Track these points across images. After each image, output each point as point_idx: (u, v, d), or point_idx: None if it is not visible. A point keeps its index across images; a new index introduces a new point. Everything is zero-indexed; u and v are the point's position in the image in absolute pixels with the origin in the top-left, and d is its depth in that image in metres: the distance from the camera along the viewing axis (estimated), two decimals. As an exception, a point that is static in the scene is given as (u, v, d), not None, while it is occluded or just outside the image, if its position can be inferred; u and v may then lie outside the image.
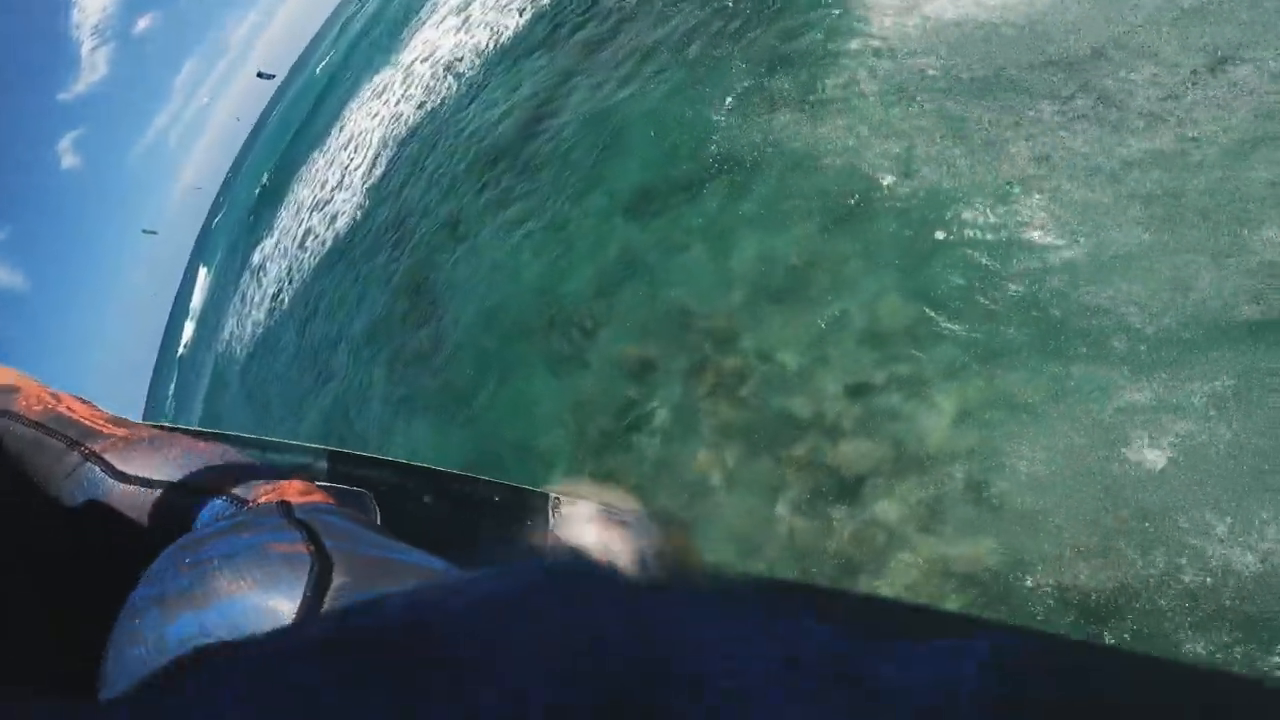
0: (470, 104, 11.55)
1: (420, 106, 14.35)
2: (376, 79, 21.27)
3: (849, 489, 3.94)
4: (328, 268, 14.03)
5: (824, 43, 5.96)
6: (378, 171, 14.45)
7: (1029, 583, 3.19)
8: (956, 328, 4.05)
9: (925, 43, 5.40)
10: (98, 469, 0.66)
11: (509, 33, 12.36)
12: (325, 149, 22.08)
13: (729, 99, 6.36)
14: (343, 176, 17.25)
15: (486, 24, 13.98)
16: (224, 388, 19.13)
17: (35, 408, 0.70)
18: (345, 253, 13.39)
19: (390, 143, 14.83)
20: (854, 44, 5.75)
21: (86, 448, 0.67)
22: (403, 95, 16.40)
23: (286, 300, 16.19)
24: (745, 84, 6.36)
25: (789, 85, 5.97)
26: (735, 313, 5.04)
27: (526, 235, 7.41)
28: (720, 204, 5.72)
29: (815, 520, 3.92)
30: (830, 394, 4.29)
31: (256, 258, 23.18)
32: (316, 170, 21.33)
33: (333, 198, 16.80)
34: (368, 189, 14.44)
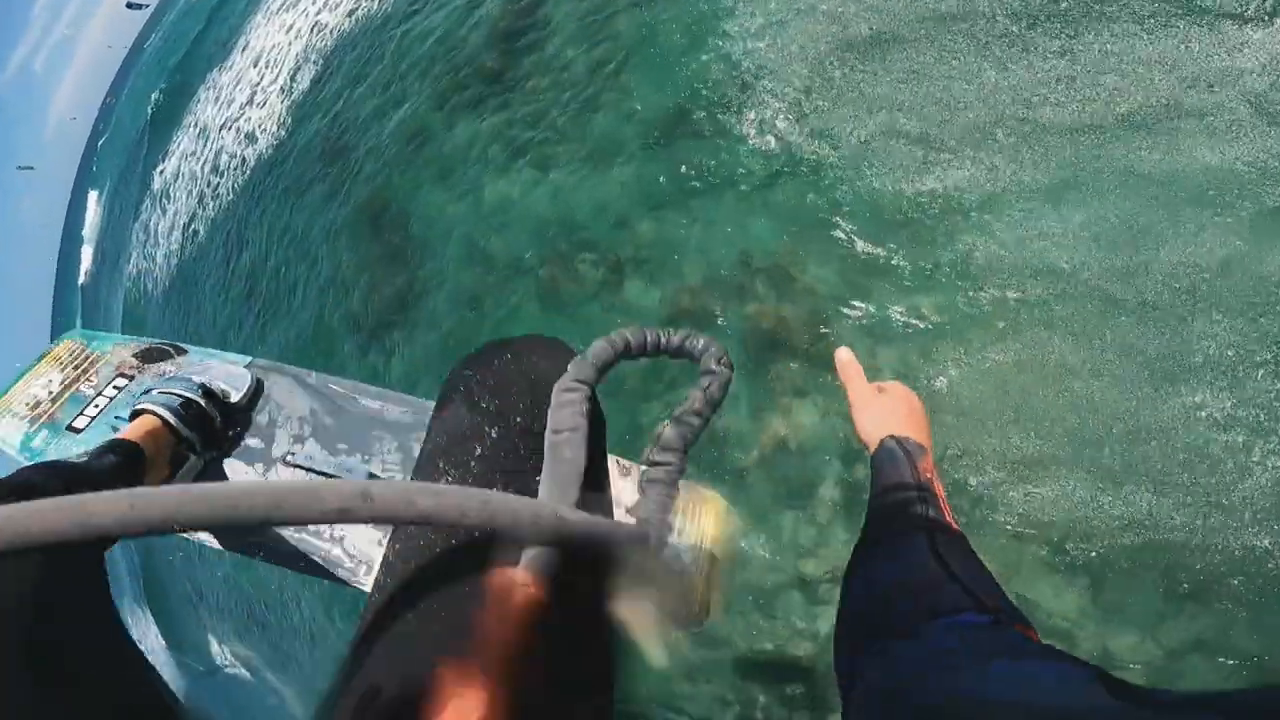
0: (420, 9, 10.48)
1: (350, 15, 13.03)
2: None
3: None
4: (253, 193, 12.73)
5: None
6: (300, 86, 13.14)
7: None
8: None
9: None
10: None
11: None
12: (228, 66, 19.87)
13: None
14: (254, 94, 15.62)
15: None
16: (140, 326, 17.42)
17: None
18: (274, 176, 12.17)
19: (314, 55, 13.47)
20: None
21: None
22: (324, 3, 14.84)
23: (202, 231, 14.72)
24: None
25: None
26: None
27: (518, 153, 6.75)
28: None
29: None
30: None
31: (156, 183, 20.89)
32: (221, 89, 19.23)
33: (245, 114, 15.25)
34: (290, 105, 13.14)
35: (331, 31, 13.32)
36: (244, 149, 14.16)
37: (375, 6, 12.06)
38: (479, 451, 0.66)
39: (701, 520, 1.13)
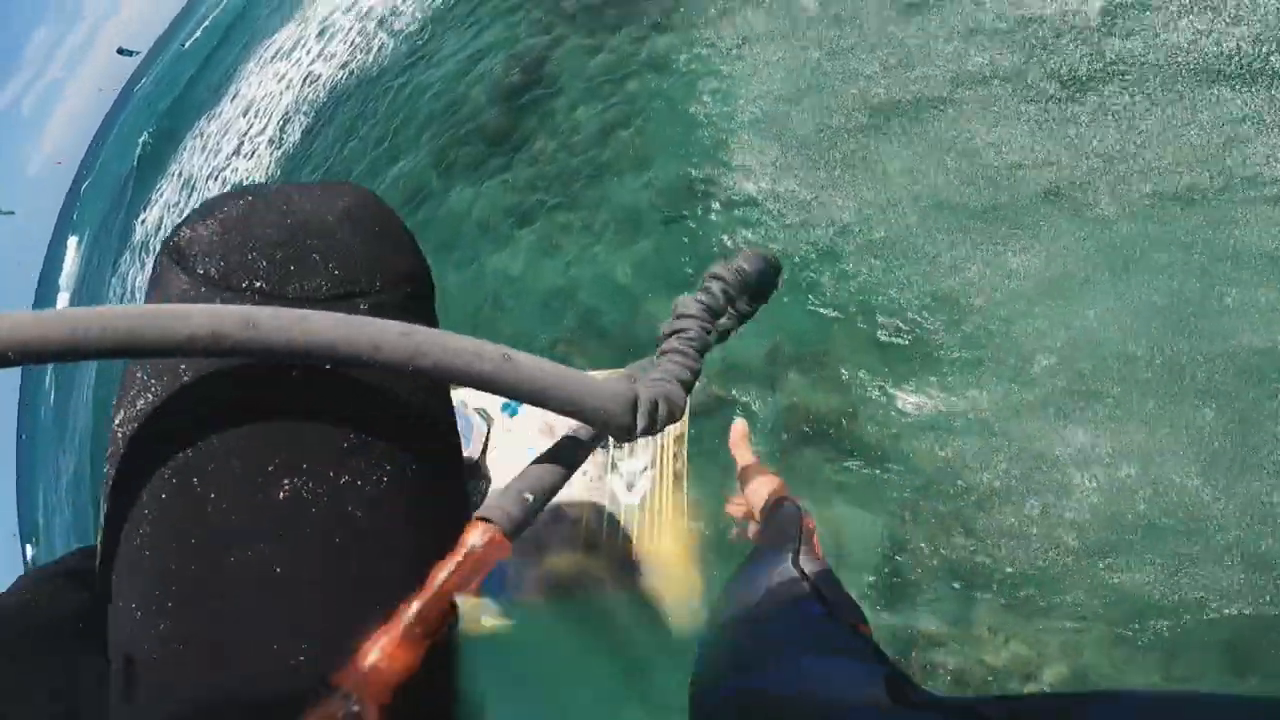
0: (417, 64, 10.09)
1: (344, 67, 12.67)
2: (279, 36, 18.99)
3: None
4: None
5: None
6: (290, 138, 12.70)
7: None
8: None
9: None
10: None
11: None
12: (217, 114, 19.56)
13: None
14: (242, 143, 15.20)
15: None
16: (110, 381, 16.65)
17: None
18: None
19: (306, 107, 13.06)
20: None
21: None
22: (319, 54, 14.54)
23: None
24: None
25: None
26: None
27: (523, 220, 6.08)
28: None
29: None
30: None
31: (137, 233, 20.36)
32: (208, 138, 18.85)
33: (232, 164, 14.79)
34: (279, 157, 12.68)
35: (325, 83, 12.94)
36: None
37: (370, 59, 11.71)
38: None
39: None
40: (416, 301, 0.51)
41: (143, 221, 20.52)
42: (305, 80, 14.10)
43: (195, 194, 16.53)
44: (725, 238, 4.71)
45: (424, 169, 8.05)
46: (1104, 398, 3.24)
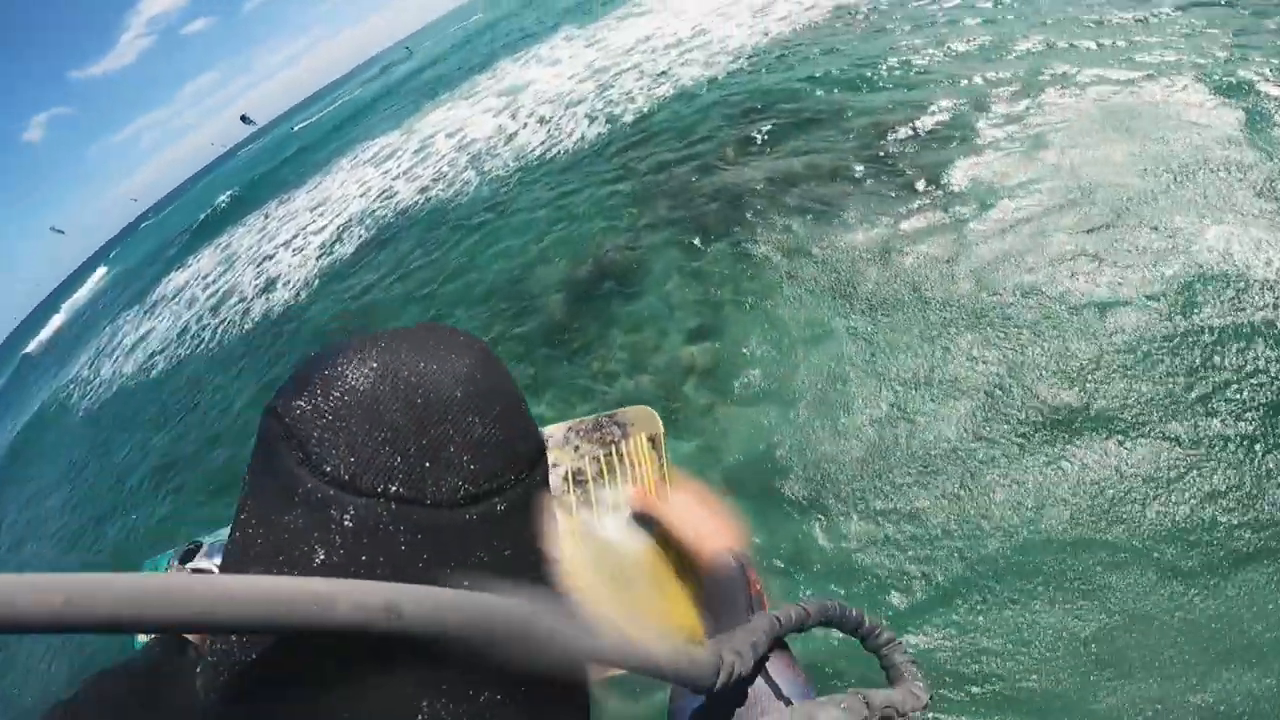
0: (492, 213, 8.68)
1: (423, 192, 11.43)
2: (381, 141, 18.65)
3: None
4: (231, 356, 10.28)
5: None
6: (343, 249, 11.21)
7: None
8: None
9: None
10: None
11: (566, 140, 9.82)
12: (289, 199, 18.86)
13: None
14: (296, 237, 13.91)
15: (540, 119, 11.55)
16: (44, 427, 14.33)
17: None
18: (261, 348, 9.76)
19: (369, 221, 11.76)
20: None
21: None
22: (405, 171, 13.58)
23: (160, 366, 12.12)
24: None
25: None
26: None
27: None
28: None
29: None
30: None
31: (157, 290, 19.12)
32: (269, 221, 17.94)
33: (276, 257, 13.34)
34: (322, 265, 11.10)
35: (398, 202, 11.70)
36: (253, 298, 11.96)
37: (449, 193, 10.46)
38: (322, 557, 0.38)
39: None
40: (539, 489, 0.46)
41: (168, 280, 19.36)
42: (382, 194, 12.98)
43: (229, 272, 15.13)
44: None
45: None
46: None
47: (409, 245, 9.51)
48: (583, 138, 9.56)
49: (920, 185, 5.24)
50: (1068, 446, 3.14)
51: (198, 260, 19.47)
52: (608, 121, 9.64)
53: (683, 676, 0.48)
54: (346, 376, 0.41)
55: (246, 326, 10.88)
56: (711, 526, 0.86)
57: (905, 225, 4.92)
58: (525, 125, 11.76)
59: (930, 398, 3.62)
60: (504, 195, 9.12)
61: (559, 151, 9.54)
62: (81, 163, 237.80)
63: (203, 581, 0.30)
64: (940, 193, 5.10)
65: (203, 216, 26.60)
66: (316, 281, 10.55)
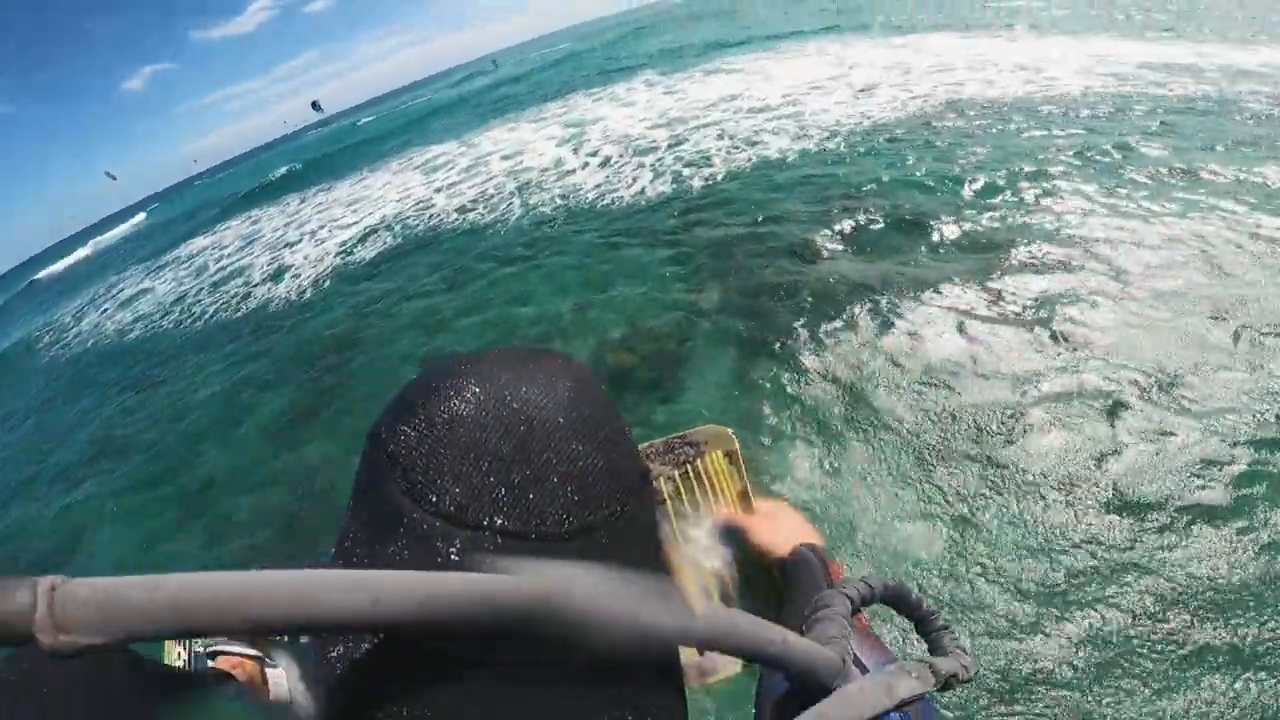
0: (524, 250, 7.65)
1: (461, 210, 10.47)
2: (437, 149, 17.93)
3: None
4: (216, 336, 9.29)
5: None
6: (362, 252, 10.25)
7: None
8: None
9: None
10: None
11: (625, 189, 8.81)
12: (330, 189, 18.13)
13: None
14: (322, 228, 13.02)
15: (603, 160, 10.59)
16: (3, 367, 13.34)
17: None
18: (250, 334, 8.78)
19: (399, 228, 10.83)
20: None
21: None
22: (449, 185, 12.70)
23: (138, 333, 11.16)
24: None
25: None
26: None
27: None
28: None
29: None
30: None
31: (172, 253, 18.40)
32: (303, 206, 17.19)
33: (298, 247, 12.43)
34: (337, 264, 10.14)
35: (432, 215, 10.77)
36: (258, 283, 11.01)
37: (486, 218, 9.48)
38: None
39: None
40: (644, 515, 0.45)
41: (190, 243, 18.65)
42: (419, 203, 12.08)
43: (248, 249, 14.32)
44: None
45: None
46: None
47: (430, 264, 8.49)
48: (643, 191, 8.55)
49: (1043, 334, 4.07)
50: None
51: (224, 229, 18.76)
52: (674, 179, 8.63)
53: (810, 672, 0.49)
54: (449, 403, 0.40)
55: (239, 312, 9.89)
56: (793, 529, 0.87)
57: (1020, 373, 3.76)
58: (585, 164, 10.82)
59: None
60: (545, 234, 8.09)
61: (615, 200, 8.52)
62: (163, 118, 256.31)
63: (485, 580, 0.32)
64: (1066, 348, 3.94)
65: (250, 188, 26.19)
66: (326, 281, 9.55)
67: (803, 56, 16.46)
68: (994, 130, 7.91)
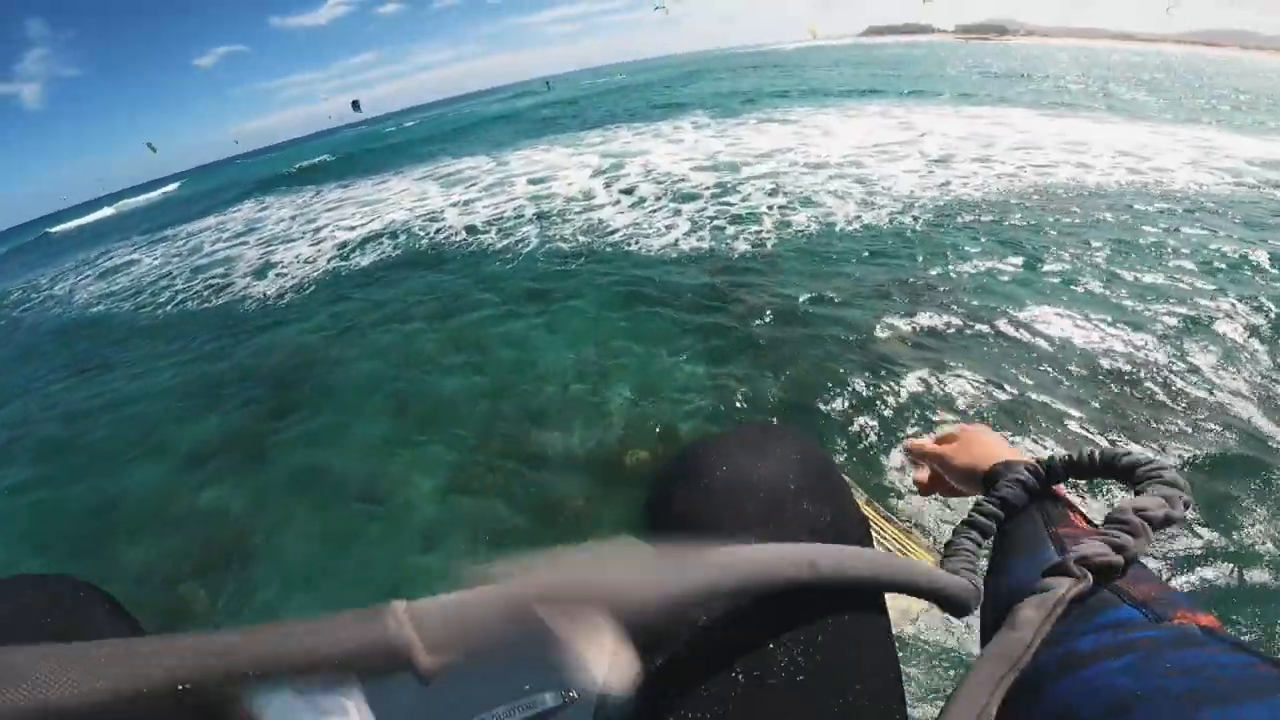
0: (532, 284, 6.48)
1: (470, 230, 9.34)
2: (467, 162, 16.97)
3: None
4: (182, 326, 8.25)
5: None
6: (357, 259, 9.14)
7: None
8: None
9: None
10: None
11: (651, 237, 7.62)
12: (352, 186, 17.18)
13: None
14: (325, 227, 11.97)
15: (637, 199, 9.44)
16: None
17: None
18: (217, 330, 7.73)
19: (403, 238, 9.74)
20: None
21: None
22: (466, 203, 11.61)
23: (102, 308, 10.10)
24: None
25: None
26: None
27: None
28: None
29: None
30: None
31: (175, 229, 17.55)
32: (318, 201, 16.28)
33: (297, 244, 11.37)
34: (328, 267, 9.04)
35: (438, 231, 9.67)
36: (240, 276, 9.93)
37: (498, 244, 8.33)
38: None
39: None
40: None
41: (199, 220, 17.82)
42: (429, 215, 10.98)
43: (246, 235, 13.37)
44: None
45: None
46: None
47: (425, 285, 7.36)
48: (676, 242, 7.35)
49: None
50: None
51: (238, 212, 17.84)
52: (715, 234, 7.44)
53: (950, 598, 0.53)
54: (707, 478, 0.52)
55: (212, 303, 8.84)
56: (988, 447, 0.80)
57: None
58: (617, 200, 9.67)
59: None
60: (559, 271, 6.92)
61: (645, 247, 7.34)
62: (222, 98, 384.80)
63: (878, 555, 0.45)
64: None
65: (285, 171, 25.58)
66: (310, 287, 8.43)
67: (864, 116, 15.46)
68: (1096, 222, 6.68)
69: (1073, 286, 5.19)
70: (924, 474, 0.90)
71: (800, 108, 18.00)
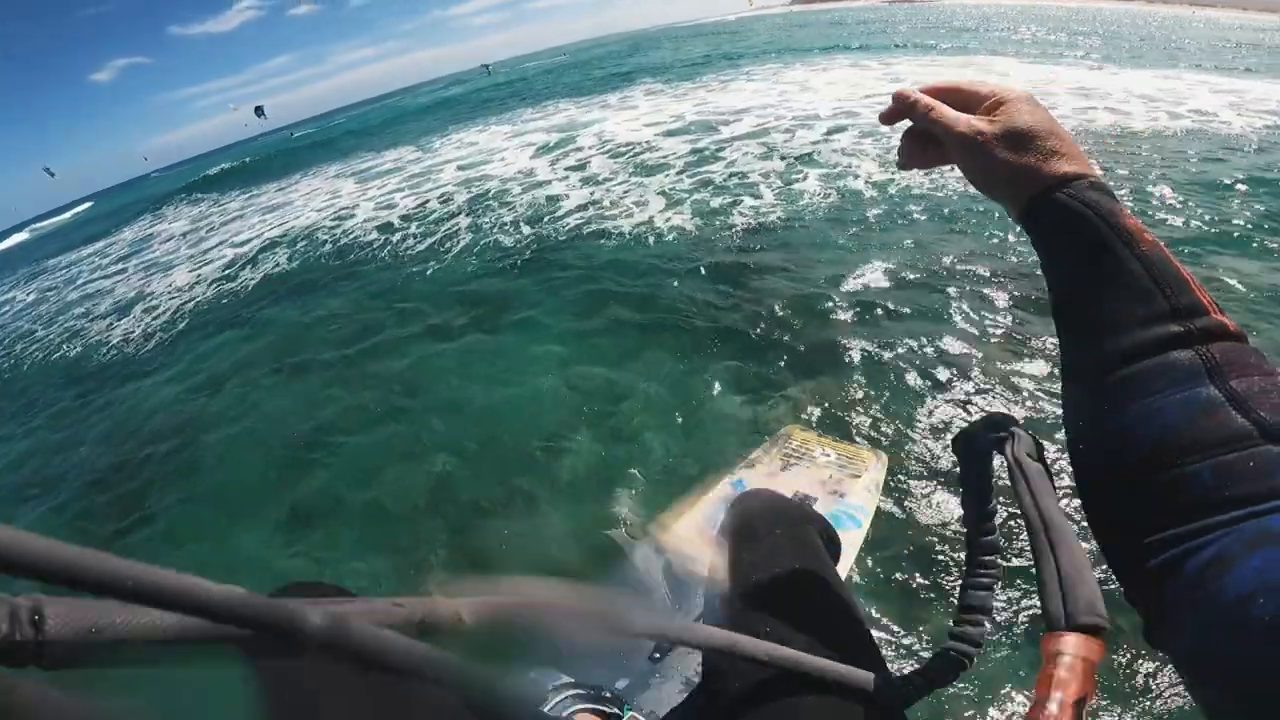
0: (458, 293, 4.65)
1: (383, 230, 7.44)
2: (395, 154, 14.82)
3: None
4: (41, 385, 6.31)
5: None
6: (247, 279, 7.25)
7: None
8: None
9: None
10: None
11: (619, 219, 5.81)
12: (255, 193, 14.94)
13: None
14: (220, 244, 9.88)
15: (580, 177, 7.60)
16: None
17: None
18: (83, 385, 5.79)
19: (322, 239, 7.98)
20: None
21: None
22: (382, 195, 9.61)
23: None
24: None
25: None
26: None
27: None
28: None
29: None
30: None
31: (102, 243, 15.25)
32: (216, 204, 14.02)
33: (175, 263, 9.34)
34: (204, 300, 7.07)
35: (351, 228, 7.77)
36: (98, 316, 7.89)
37: (414, 244, 6.46)
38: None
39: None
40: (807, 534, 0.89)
41: (83, 249, 15.43)
42: (338, 216, 9.00)
43: (125, 263, 11.21)
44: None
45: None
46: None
47: (323, 314, 5.49)
48: (651, 221, 5.57)
49: None
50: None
51: (126, 231, 15.49)
52: (697, 209, 5.68)
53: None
54: (748, 505, 0.89)
55: (66, 354, 6.74)
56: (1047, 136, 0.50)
57: None
58: (565, 178, 7.83)
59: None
60: (501, 273, 5.08)
61: (614, 228, 5.52)
62: (124, 114, 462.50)
63: None
64: None
65: (178, 186, 23.05)
66: (182, 323, 6.48)
67: (837, 69, 13.84)
68: (1177, 163, 5.15)
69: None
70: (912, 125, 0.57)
71: (763, 67, 16.32)
